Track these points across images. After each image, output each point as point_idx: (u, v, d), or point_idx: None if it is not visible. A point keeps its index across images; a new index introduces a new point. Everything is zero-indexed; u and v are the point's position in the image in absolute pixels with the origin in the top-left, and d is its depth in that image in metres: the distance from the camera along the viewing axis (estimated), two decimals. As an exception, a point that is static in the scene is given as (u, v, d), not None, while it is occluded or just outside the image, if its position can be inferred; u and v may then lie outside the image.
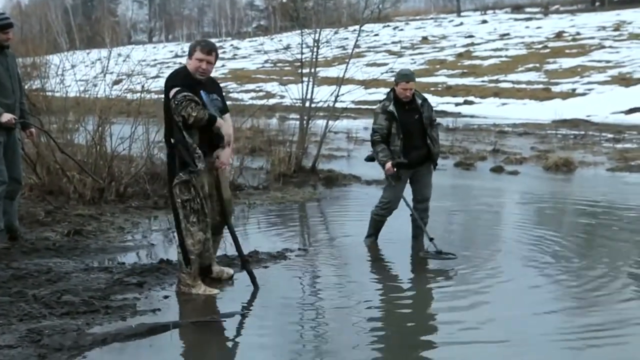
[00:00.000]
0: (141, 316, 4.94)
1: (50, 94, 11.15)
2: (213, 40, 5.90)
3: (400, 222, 7.45)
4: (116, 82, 10.91)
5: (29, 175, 8.83)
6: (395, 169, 6.99)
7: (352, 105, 17.99)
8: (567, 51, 39.11)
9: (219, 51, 5.74)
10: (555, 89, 30.07)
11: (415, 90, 7.13)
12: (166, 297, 5.44)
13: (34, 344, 4.29)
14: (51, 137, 8.50)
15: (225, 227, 5.86)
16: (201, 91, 5.43)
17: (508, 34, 50.88)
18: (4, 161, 6.51)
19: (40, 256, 6.46)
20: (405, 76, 7.05)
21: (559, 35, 46.18)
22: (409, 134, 7.05)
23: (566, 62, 35.71)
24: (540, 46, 42.83)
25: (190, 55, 5.52)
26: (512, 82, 33.08)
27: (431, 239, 6.86)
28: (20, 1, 74.12)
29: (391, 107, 7.02)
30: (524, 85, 31.74)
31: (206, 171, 5.48)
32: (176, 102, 5.27)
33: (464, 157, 15.02)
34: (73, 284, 5.60)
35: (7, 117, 6.40)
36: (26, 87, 10.15)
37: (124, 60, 11.10)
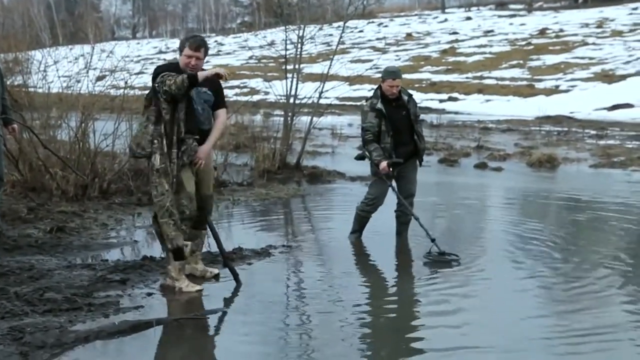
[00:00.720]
0: (124, 313, 4.92)
1: (32, 90, 11.06)
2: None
3: (384, 218, 7.45)
4: (99, 78, 10.84)
5: (11, 172, 8.77)
6: (390, 169, 6.99)
7: (337, 102, 17.95)
8: (550, 48, 39.29)
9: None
10: (539, 85, 30.21)
11: (401, 87, 7.14)
12: (149, 294, 5.42)
13: (15, 342, 4.25)
14: (34, 133, 8.44)
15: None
16: None
17: (492, 31, 51.02)
18: (-15, 158, 6.46)
19: (22, 253, 6.41)
20: (392, 73, 7.07)
21: (542, 32, 46.36)
22: (397, 130, 7.06)
23: (550, 59, 35.89)
24: (523, 43, 42.98)
25: (180, 51, 5.52)
26: (496, 78, 33.19)
27: (433, 240, 6.71)
28: (3, -4, 73.40)
29: (379, 105, 7.03)
30: (507, 82, 31.86)
31: (186, 165, 5.46)
32: (156, 85, 5.27)
33: (448, 153, 15.06)
34: (55, 281, 5.56)
35: None
36: (8, 83, 10.06)
37: (107, 56, 11.04)
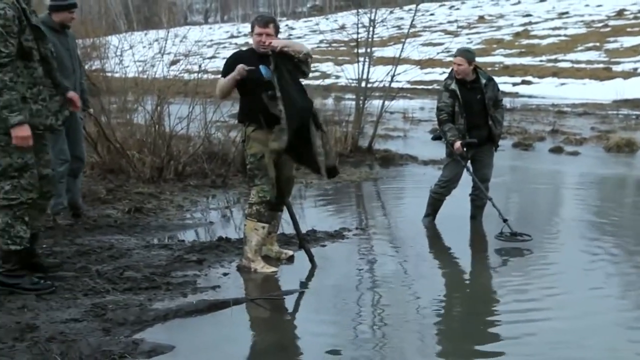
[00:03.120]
0: (201, 293, 4.99)
1: (109, 74, 11.30)
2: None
3: (458, 202, 7.37)
4: (173, 63, 11.00)
5: (90, 154, 8.98)
6: (464, 149, 6.92)
7: (408, 85, 17.84)
8: (628, 29, 38.15)
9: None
10: (617, 68, 29.39)
11: (480, 70, 7.05)
12: (225, 274, 5.49)
13: (98, 318, 4.37)
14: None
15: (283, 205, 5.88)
16: (260, 66, 5.47)
17: (567, 13, 49.84)
18: (66, 140, 6.63)
19: (102, 233, 6.58)
20: (459, 52, 7.02)
21: (620, 13, 45.04)
22: (470, 113, 6.98)
23: (628, 41, 34.85)
24: (600, 25, 41.87)
25: (251, 32, 5.60)
26: (572, 61, 32.43)
27: (505, 220, 6.65)
28: (79, -16, 75.02)
29: (453, 86, 6.96)
30: (583, 65, 31.09)
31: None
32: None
33: (522, 137, 14.79)
34: (135, 260, 5.69)
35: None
36: (86, 67, 10.30)
37: (180, 41, 11.18)
